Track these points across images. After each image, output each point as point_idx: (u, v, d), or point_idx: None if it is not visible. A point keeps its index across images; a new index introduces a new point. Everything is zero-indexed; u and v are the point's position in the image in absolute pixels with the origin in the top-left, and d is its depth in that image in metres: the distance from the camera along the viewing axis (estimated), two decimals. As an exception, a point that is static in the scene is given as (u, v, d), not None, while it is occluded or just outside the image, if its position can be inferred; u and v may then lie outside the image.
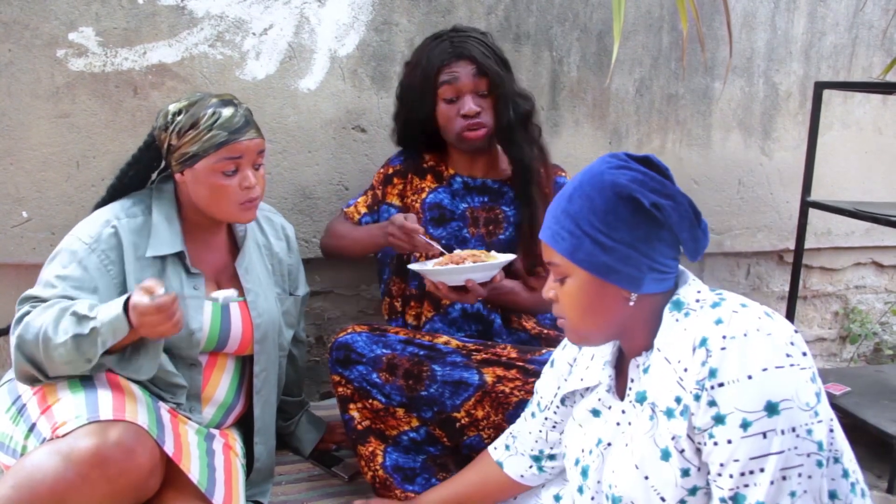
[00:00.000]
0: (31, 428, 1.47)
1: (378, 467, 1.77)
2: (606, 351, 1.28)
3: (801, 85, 2.83)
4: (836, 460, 1.08)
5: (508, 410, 1.71)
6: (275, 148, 2.17)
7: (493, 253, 1.77)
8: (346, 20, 2.21)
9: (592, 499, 1.24)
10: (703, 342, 1.05)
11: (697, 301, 1.12)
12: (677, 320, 1.12)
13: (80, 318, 1.38)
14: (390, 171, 2.00)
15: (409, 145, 2.00)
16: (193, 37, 2.07)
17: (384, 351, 1.76)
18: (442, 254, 1.75)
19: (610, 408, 1.25)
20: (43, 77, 1.96)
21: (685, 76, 2.65)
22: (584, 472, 1.25)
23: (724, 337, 1.03)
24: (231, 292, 1.57)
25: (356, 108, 2.27)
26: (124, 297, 1.41)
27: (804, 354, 1.04)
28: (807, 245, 2.60)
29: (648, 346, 1.17)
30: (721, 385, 1.02)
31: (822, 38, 2.83)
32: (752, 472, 1.01)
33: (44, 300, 1.47)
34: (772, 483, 1.00)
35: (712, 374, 1.03)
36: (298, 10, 2.15)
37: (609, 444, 1.22)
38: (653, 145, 2.66)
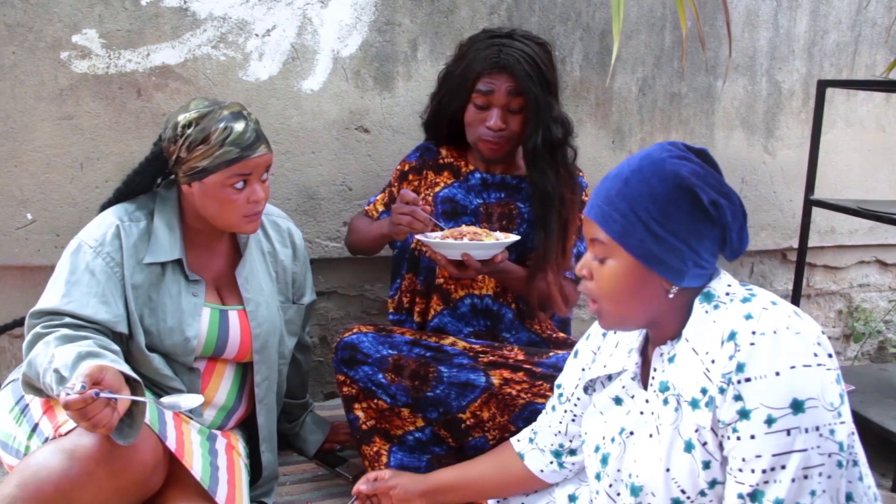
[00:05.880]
0: (34, 428, 1.48)
1: (383, 467, 1.77)
2: (633, 338, 1.27)
3: (803, 83, 2.82)
4: (855, 463, 1.09)
5: (514, 412, 1.72)
6: (278, 149, 2.17)
7: (495, 234, 1.76)
8: (349, 21, 2.21)
9: (610, 486, 1.24)
10: (732, 336, 1.05)
11: (728, 294, 1.12)
12: (706, 312, 1.12)
13: (60, 379, 1.33)
14: (406, 167, 1.99)
15: (430, 131, 2.01)
16: (196, 38, 2.07)
17: (390, 352, 1.77)
18: (441, 229, 1.76)
19: (633, 396, 1.24)
20: (47, 79, 1.96)
21: (688, 75, 2.65)
22: (604, 460, 1.25)
23: (753, 332, 1.04)
24: (196, 401, 1.37)
25: (359, 109, 2.27)
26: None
27: (830, 356, 1.04)
28: (810, 243, 2.59)
29: (675, 336, 1.17)
30: (748, 380, 1.02)
31: (824, 36, 2.82)
32: (773, 469, 1.01)
33: (54, 313, 1.47)
34: (793, 481, 1.00)
35: (740, 368, 1.03)
36: (301, 10, 2.15)
37: (631, 433, 1.22)
38: (656, 144, 2.66)
